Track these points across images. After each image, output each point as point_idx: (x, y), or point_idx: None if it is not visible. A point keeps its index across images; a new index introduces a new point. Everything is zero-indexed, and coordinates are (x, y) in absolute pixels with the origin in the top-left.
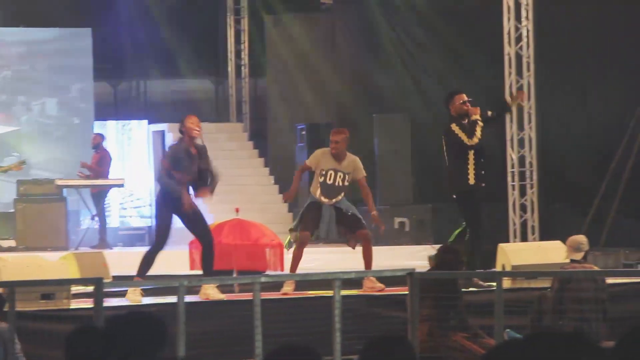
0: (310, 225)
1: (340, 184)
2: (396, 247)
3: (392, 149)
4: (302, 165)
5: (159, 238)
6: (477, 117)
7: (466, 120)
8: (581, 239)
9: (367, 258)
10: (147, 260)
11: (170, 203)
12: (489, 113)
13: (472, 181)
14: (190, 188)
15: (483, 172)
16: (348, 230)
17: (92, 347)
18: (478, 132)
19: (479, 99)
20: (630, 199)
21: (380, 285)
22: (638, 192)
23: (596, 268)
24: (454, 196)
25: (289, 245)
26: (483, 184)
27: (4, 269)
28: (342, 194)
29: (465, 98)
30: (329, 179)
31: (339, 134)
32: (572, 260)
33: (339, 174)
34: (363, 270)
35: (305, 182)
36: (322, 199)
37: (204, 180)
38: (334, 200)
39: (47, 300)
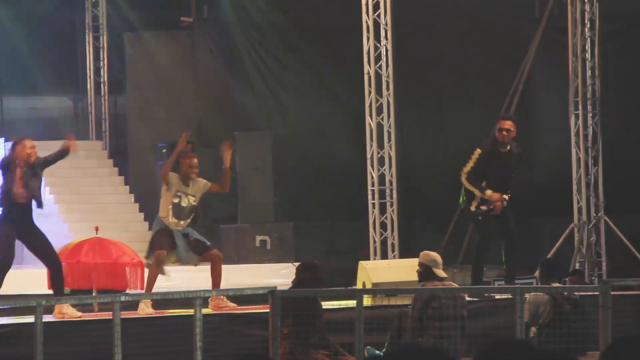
0: (166, 244)
1: (191, 205)
2: (257, 265)
3: (253, 167)
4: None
5: (3, 260)
6: None
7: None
8: (436, 255)
9: (216, 277)
10: None
11: (11, 225)
12: None
13: None
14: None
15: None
16: (196, 253)
17: None
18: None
19: (339, 117)
20: None
21: (232, 304)
22: None
23: (456, 285)
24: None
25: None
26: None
27: None
28: (190, 218)
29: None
30: (182, 202)
31: (195, 157)
32: (437, 277)
33: (189, 197)
34: (224, 289)
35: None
36: (171, 220)
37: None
38: (181, 222)
39: None
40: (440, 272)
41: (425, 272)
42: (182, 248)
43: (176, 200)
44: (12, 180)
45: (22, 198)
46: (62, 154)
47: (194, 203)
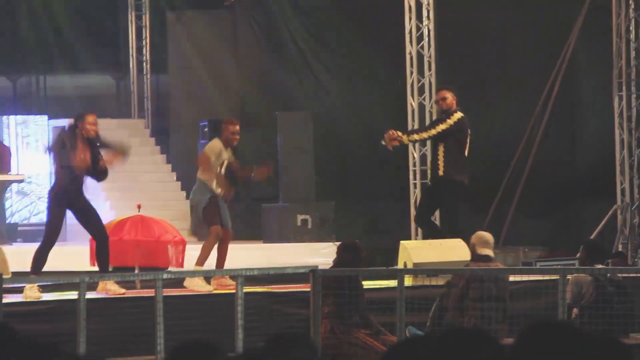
0: (217, 219)
1: (226, 171)
2: (298, 245)
3: (294, 147)
4: (204, 158)
5: (49, 234)
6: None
7: None
8: (488, 235)
9: (223, 255)
10: (39, 258)
11: (62, 198)
12: None
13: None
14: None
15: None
16: None
17: None
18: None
19: (380, 97)
20: (528, 198)
21: (232, 283)
22: (536, 192)
23: (502, 266)
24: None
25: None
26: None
27: None
28: None
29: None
30: (224, 170)
31: (238, 124)
32: (481, 257)
33: (227, 163)
34: (266, 267)
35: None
36: (218, 189)
37: (102, 172)
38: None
39: None
40: (486, 251)
41: (472, 251)
42: (222, 214)
43: (219, 170)
44: (71, 153)
45: (78, 170)
46: (114, 148)
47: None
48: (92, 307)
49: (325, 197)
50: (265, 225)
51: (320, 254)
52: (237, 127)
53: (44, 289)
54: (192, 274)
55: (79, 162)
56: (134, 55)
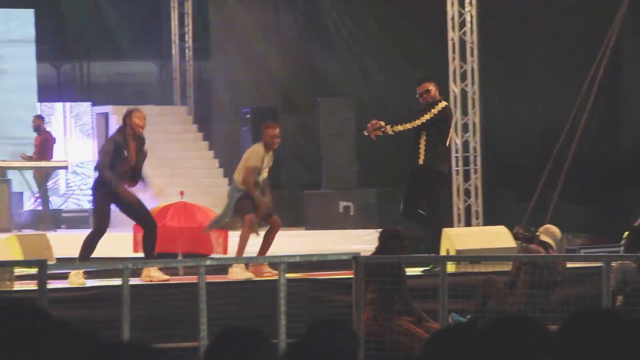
0: (251, 208)
1: (265, 177)
2: (341, 231)
3: (336, 133)
4: (250, 171)
5: (98, 223)
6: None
7: None
8: (556, 229)
9: (268, 243)
10: (88, 245)
11: (107, 192)
12: None
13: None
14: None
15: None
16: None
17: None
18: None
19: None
20: (572, 184)
21: (275, 271)
22: (580, 178)
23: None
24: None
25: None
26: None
27: None
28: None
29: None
30: (259, 177)
31: (278, 127)
32: (541, 242)
33: (265, 169)
34: (308, 254)
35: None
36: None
37: (139, 171)
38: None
39: None
40: (547, 239)
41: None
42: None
43: (257, 177)
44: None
45: (125, 171)
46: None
47: (266, 174)
48: (135, 294)
49: (368, 183)
50: (307, 212)
51: (363, 241)
52: (277, 131)
53: (88, 275)
54: (235, 260)
55: (130, 162)
56: (177, 42)
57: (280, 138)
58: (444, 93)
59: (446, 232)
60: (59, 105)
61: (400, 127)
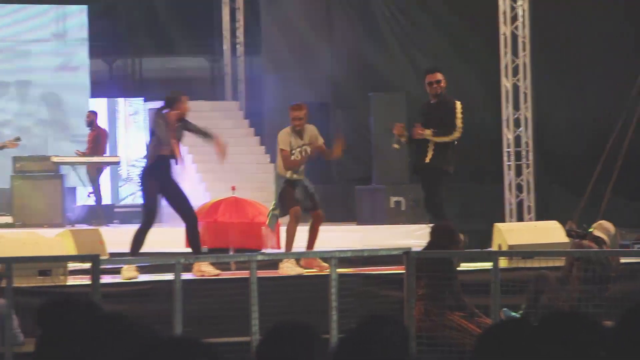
0: (295, 200)
1: (305, 156)
2: (392, 227)
3: (388, 128)
4: (285, 154)
5: (146, 216)
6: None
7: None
8: (610, 225)
9: (313, 237)
10: (138, 239)
11: (154, 181)
12: None
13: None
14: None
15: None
16: (305, 208)
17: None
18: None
19: (474, 80)
20: (625, 179)
21: (324, 264)
22: (633, 173)
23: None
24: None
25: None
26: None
27: (1, 245)
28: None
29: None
30: (298, 156)
31: (300, 109)
32: (595, 237)
33: (304, 148)
34: (359, 249)
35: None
36: (293, 175)
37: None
38: (301, 171)
39: (44, 277)
40: (601, 235)
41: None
42: (302, 200)
43: (293, 157)
44: (164, 134)
45: (170, 152)
46: (206, 136)
47: (309, 151)
48: (187, 289)
49: (419, 179)
50: (358, 207)
51: (414, 236)
52: (298, 112)
53: (141, 270)
54: (286, 255)
55: (172, 146)
56: (228, 37)
57: (302, 120)
58: (496, 88)
59: (498, 227)
60: (111, 101)
61: (438, 139)
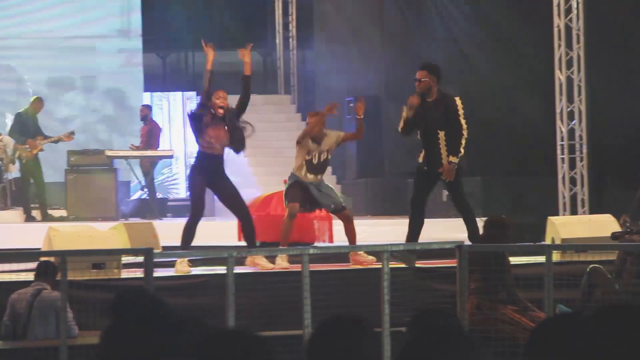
0: (298, 197)
1: (324, 160)
2: (444, 220)
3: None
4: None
5: (193, 210)
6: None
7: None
8: None
9: (352, 237)
10: (187, 233)
11: (201, 175)
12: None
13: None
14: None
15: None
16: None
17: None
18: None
19: (527, 73)
20: None
21: (370, 257)
22: None
23: None
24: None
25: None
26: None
27: (56, 239)
28: (323, 172)
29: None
30: (314, 159)
31: (314, 115)
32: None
33: (322, 154)
34: (412, 243)
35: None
36: (308, 175)
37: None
38: (318, 177)
39: (97, 270)
40: None
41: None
42: (318, 197)
43: (309, 158)
44: (204, 131)
45: (213, 149)
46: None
47: (328, 157)
48: (240, 282)
49: (471, 172)
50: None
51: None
52: (311, 119)
53: (194, 263)
54: (339, 248)
55: (213, 141)
56: (280, 31)
57: (319, 125)
58: (550, 80)
59: (552, 220)
60: (166, 95)
61: (461, 149)
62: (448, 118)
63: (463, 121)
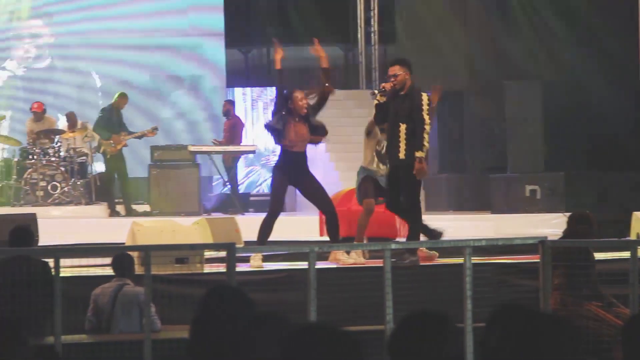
0: (371, 192)
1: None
2: (527, 215)
3: (522, 116)
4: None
5: (272, 206)
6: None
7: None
8: None
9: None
10: (264, 228)
11: (284, 173)
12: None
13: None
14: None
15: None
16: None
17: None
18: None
19: (607, 65)
20: None
21: (433, 252)
22: None
23: None
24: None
25: None
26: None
27: (139, 233)
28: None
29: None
30: (383, 149)
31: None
32: None
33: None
34: (494, 238)
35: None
36: (380, 167)
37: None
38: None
39: (181, 265)
40: None
41: None
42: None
43: (379, 148)
44: (286, 130)
45: (295, 147)
46: (322, 95)
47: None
48: (322, 277)
49: (555, 167)
50: (493, 196)
51: (550, 225)
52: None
53: (276, 258)
54: (420, 244)
55: (295, 140)
56: (362, 26)
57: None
58: (636, 72)
59: (636, 215)
60: (249, 90)
61: (425, 142)
62: (412, 112)
63: (426, 116)
